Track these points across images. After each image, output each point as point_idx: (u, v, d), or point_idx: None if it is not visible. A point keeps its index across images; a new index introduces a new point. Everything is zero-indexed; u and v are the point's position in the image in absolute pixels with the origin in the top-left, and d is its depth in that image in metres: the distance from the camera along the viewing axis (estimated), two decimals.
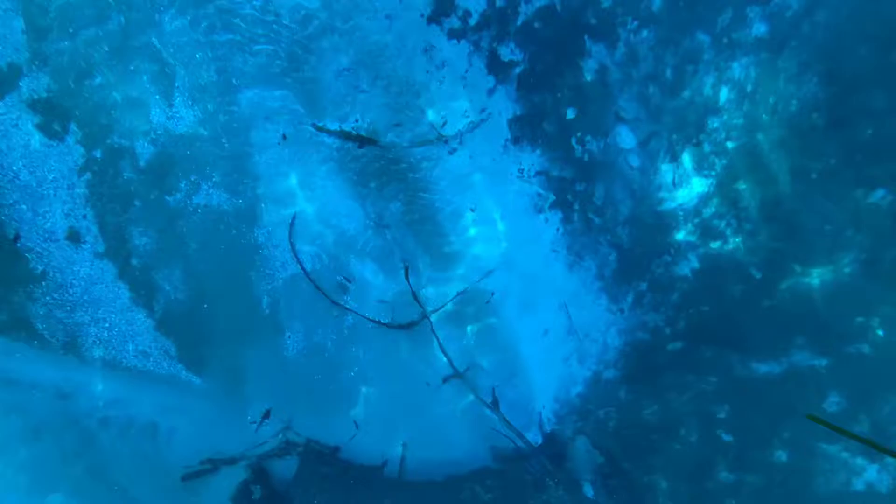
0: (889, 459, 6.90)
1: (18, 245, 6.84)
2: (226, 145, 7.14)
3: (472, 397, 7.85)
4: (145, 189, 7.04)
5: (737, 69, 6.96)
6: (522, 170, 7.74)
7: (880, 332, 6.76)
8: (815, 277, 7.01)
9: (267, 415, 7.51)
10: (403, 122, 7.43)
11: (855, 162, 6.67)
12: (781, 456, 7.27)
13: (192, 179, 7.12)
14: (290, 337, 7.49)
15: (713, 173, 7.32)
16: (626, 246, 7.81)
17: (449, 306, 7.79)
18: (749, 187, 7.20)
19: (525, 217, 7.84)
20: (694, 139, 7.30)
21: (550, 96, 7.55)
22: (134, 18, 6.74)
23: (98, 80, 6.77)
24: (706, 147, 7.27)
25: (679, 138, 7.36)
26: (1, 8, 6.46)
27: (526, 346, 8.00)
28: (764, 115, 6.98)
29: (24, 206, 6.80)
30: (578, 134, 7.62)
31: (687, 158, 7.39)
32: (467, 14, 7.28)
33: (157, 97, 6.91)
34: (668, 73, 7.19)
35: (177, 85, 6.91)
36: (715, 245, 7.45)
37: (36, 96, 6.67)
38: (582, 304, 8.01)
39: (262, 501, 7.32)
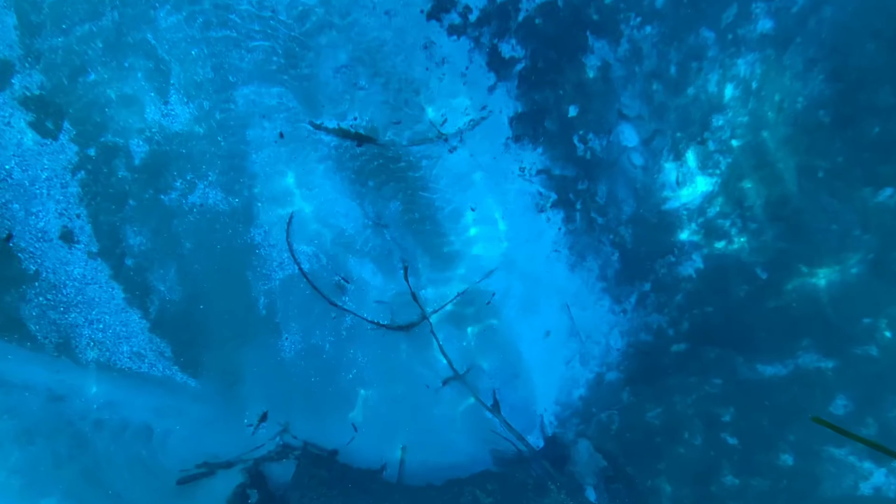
0: None
1: (11, 245, 6.82)
2: (222, 143, 7.12)
3: (472, 400, 7.83)
4: (140, 188, 7.02)
5: (742, 66, 6.94)
6: (524, 168, 7.72)
7: (888, 334, 6.73)
8: (822, 278, 6.99)
9: (264, 417, 7.49)
10: (403, 119, 7.42)
11: (862, 160, 6.65)
12: (787, 459, 7.25)
13: (188, 178, 7.10)
14: (287, 338, 7.47)
15: (718, 172, 7.30)
16: (629, 246, 7.79)
17: (449, 307, 7.76)
18: (754, 186, 7.18)
19: (526, 216, 7.82)
20: (698, 137, 7.28)
21: (552, 93, 7.53)
22: (128, 14, 6.72)
23: (92, 77, 6.75)
24: (711, 145, 7.25)
25: (683, 136, 7.34)
26: None
27: (527, 347, 7.98)
28: (770, 113, 6.96)
29: (16, 206, 6.78)
30: (581, 132, 7.60)
31: (691, 157, 7.37)
32: (468, 10, 7.26)
33: (152, 94, 6.89)
34: (672, 69, 7.18)
35: (172, 82, 6.89)
36: (719, 245, 7.43)
37: (28, 93, 6.65)
38: (584, 304, 7.99)
39: None
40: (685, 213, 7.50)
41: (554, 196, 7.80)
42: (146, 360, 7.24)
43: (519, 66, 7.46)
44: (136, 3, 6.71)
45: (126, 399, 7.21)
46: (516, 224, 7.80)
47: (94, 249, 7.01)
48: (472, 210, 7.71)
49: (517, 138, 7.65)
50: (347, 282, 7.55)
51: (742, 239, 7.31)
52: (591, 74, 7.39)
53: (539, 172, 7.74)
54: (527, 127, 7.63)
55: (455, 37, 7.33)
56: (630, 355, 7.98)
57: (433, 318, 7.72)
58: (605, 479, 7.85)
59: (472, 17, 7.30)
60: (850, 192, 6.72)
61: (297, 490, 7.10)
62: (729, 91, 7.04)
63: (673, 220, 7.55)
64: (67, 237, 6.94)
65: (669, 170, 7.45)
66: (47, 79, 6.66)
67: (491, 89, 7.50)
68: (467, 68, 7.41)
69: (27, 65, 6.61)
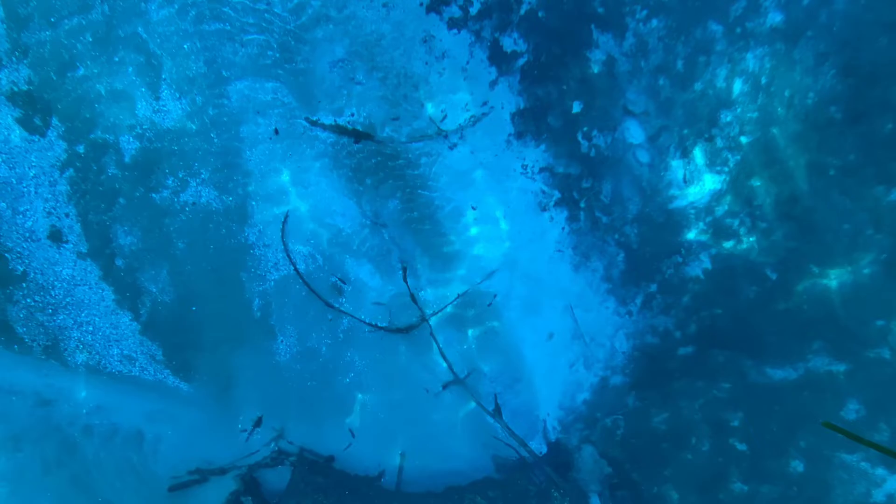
0: None
1: None
2: (215, 140, 7.13)
3: (473, 404, 7.84)
4: (130, 186, 7.04)
5: (751, 60, 6.95)
6: (526, 166, 7.74)
7: None
8: (833, 279, 7.00)
9: (258, 423, 7.50)
10: (401, 115, 7.43)
11: (875, 158, 6.66)
12: (798, 466, 7.26)
13: (180, 176, 7.11)
14: (282, 341, 7.48)
15: (726, 169, 7.31)
16: (634, 246, 7.81)
17: (449, 309, 7.78)
18: (764, 184, 7.19)
19: (529, 215, 7.83)
20: (706, 134, 7.30)
21: (555, 89, 7.54)
22: (119, 7, 6.73)
23: (81, 71, 6.76)
24: (719, 142, 7.27)
25: (690, 133, 7.35)
26: None
27: (530, 350, 7.99)
28: (779, 109, 6.97)
29: (3, 204, 6.79)
30: (585, 128, 7.61)
31: (698, 154, 7.38)
32: (468, 2, 7.28)
33: (143, 90, 6.90)
34: (679, 64, 7.19)
35: (163, 77, 6.90)
36: (728, 245, 7.45)
37: (16, 89, 6.66)
38: (588, 306, 8.00)
39: None
40: (692, 211, 7.51)
41: (557, 194, 7.81)
42: (137, 364, 7.25)
43: (521, 61, 7.47)
44: None
45: (116, 404, 7.22)
46: (518, 223, 7.81)
47: (84, 249, 7.02)
48: (473, 209, 7.72)
49: (519, 135, 7.66)
50: (344, 283, 7.56)
51: (751, 239, 7.33)
52: (595, 69, 7.40)
53: (542, 170, 7.76)
54: (529, 123, 7.64)
55: (455, 30, 7.34)
56: (636, 358, 7.99)
57: (433, 321, 7.74)
58: (610, 486, 7.87)
59: (473, 10, 7.31)
60: (862, 190, 6.74)
61: (293, 497, 7.11)
62: (737, 86, 7.05)
63: (680, 219, 7.57)
64: (56, 237, 6.95)
65: (676, 167, 7.47)
66: (35, 73, 6.67)
67: (492, 84, 7.52)
68: (468, 63, 7.42)
69: (14, 59, 6.62)
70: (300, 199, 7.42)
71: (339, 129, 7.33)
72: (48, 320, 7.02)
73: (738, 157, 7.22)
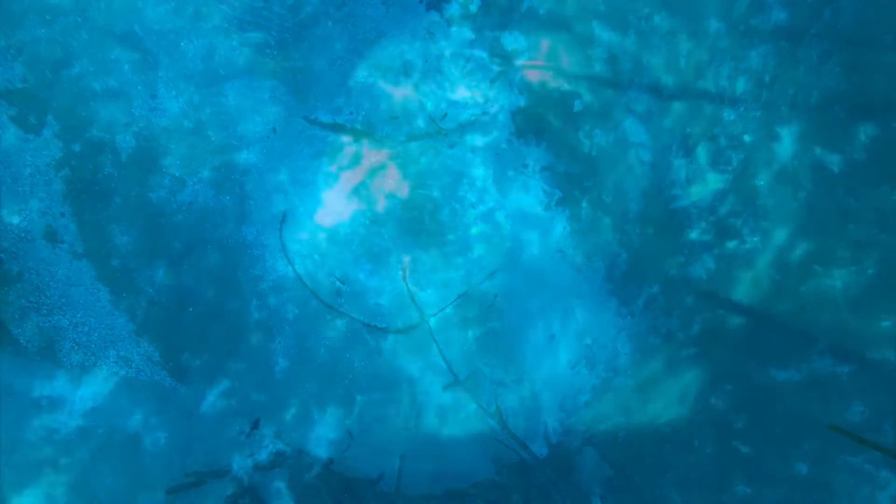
0: None
1: None
2: (212, 139, 7.12)
3: (473, 406, 7.83)
4: (127, 185, 7.03)
5: (754, 58, 6.95)
6: (527, 165, 7.73)
7: None
8: (838, 279, 7.00)
9: (256, 425, 7.50)
10: (400, 114, 7.42)
11: (880, 157, 6.66)
12: (802, 468, 7.26)
13: (177, 175, 7.10)
14: (280, 342, 7.47)
15: (729, 169, 7.31)
16: (636, 246, 7.80)
17: (449, 310, 7.77)
18: (767, 184, 7.19)
19: (530, 215, 7.82)
20: (709, 133, 7.29)
21: (557, 87, 7.53)
22: (115, 4, 6.73)
23: (76, 69, 6.75)
24: (722, 141, 7.27)
25: (693, 132, 7.35)
26: None
27: (531, 351, 7.99)
28: (783, 107, 6.98)
29: None
30: (586, 127, 7.61)
31: (701, 153, 7.38)
32: None
33: (140, 88, 6.90)
34: (682, 62, 7.18)
35: (160, 75, 6.90)
36: (731, 245, 7.44)
37: (10, 87, 6.65)
38: (590, 307, 8.00)
39: None
40: (695, 211, 7.51)
41: (559, 194, 7.81)
42: (133, 365, 7.24)
43: (522, 59, 7.46)
44: None
45: (112, 405, 7.21)
46: (519, 223, 7.80)
47: (79, 249, 7.01)
48: (473, 208, 7.72)
49: (520, 133, 7.66)
50: (343, 283, 7.56)
51: (754, 238, 7.33)
52: (597, 67, 7.40)
53: (543, 169, 7.75)
54: (530, 122, 7.64)
55: (456, 27, 7.34)
56: (638, 360, 7.98)
57: (433, 322, 7.73)
58: (612, 489, 7.86)
59: (474, 7, 7.31)
60: (866, 189, 6.74)
61: (291, 500, 7.10)
62: (741, 84, 7.05)
63: (682, 218, 7.57)
64: (51, 237, 6.95)
65: (679, 167, 7.46)
66: (30, 71, 6.66)
67: (493, 82, 7.51)
68: (468, 60, 7.42)
69: (9, 57, 6.61)
70: (298, 199, 7.42)
71: (338, 128, 7.32)
72: (43, 321, 7.01)
73: (742, 157, 7.22)
